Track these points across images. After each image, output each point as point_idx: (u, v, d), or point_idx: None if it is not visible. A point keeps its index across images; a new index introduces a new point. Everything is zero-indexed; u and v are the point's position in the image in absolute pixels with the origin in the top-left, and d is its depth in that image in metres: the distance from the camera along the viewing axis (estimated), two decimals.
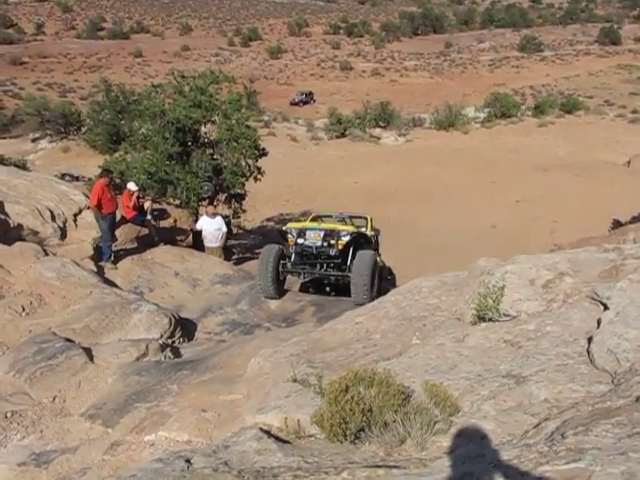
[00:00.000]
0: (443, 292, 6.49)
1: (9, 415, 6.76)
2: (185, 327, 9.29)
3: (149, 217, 12.72)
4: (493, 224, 23.68)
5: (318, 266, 10.16)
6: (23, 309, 8.95)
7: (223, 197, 15.75)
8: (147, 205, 12.76)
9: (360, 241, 10.48)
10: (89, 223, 11.95)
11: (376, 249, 12.18)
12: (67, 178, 21.86)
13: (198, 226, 13.32)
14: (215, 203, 15.59)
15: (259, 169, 15.70)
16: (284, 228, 10.62)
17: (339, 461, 3.32)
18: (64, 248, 11.36)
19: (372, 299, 8.97)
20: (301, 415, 3.93)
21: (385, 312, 6.36)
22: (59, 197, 12.56)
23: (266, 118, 52.07)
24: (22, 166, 17.42)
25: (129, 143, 15.44)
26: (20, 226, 10.99)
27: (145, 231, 12.67)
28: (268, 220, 23.88)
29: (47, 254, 10.65)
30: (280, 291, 10.43)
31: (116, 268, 11.28)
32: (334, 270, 10.22)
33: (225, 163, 14.82)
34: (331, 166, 35.52)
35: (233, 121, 14.62)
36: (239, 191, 15.58)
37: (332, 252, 9.96)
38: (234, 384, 6.02)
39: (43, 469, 5.66)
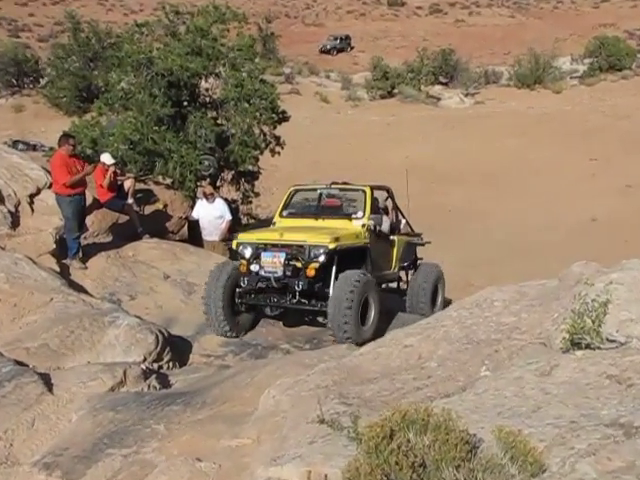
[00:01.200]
0: (523, 307, 6.45)
1: None
2: (177, 347, 9.37)
3: (130, 201, 12.84)
4: (593, 217, 23.50)
5: (288, 295, 9.69)
6: None
7: (229, 176, 15.87)
8: (128, 185, 12.88)
9: (348, 255, 9.75)
10: (50, 207, 12.09)
11: (413, 263, 12.16)
12: (20, 146, 22.28)
13: (195, 214, 13.42)
14: (218, 183, 15.71)
15: (277, 139, 15.78)
16: (233, 242, 10.18)
17: None
18: (16, 240, 11.52)
19: (363, 337, 9.01)
20: (330, 469, 3.94)
21: (444, 332, 6.35)
22: (10, 172, 12.73)
23: (288, 70, 52.23)
24: None
25: (104, 101, 15.59)
26: None
27: (125, 219, 12.79)
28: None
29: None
30: (238, 326, 9.98)
31: (85, 268, 11.42)
32: (310, 300, 9.72)
33: (232, 130, 14.92)
34: (373, 136, 35.54)
35: (244, 74, 14.71)
36: (250, 168, 15.67)
37: (299, 285, 9.34)
38: (240, 425, 6.06)
39: None
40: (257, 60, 15.40)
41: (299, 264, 9.36)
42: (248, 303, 9.95)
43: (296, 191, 11.41)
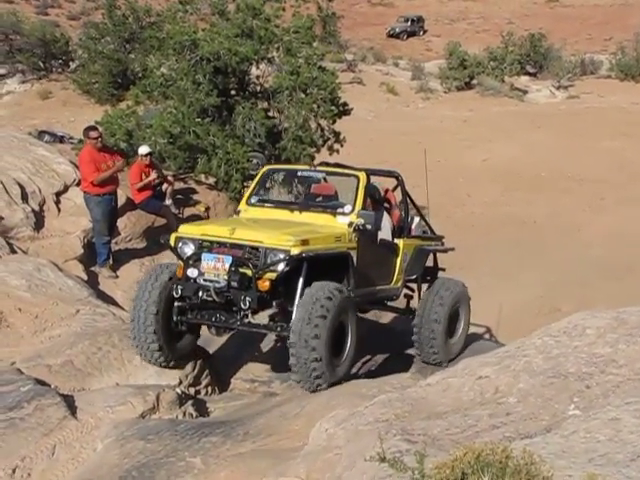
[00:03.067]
0: (621, 337, 6.37)
1: None
2: (216, 370, 9.45)
3: (169, 202, 13.01)
4: None
5: (238, 313, 8.36)
6: None
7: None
8: (167, 185, 13.05)
9: (323, 263, 8.49)
10: (78, 207, 12.31)
11: (432, 274, 10.85)
12: (46, 138, 22.68)
13: None
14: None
15: (337, 135, 15.84)
16: (173, 236, 8.83)
17: None
18: (40, 243, 11.75)
19: (336, 376, 8.09)
20: None
21: (526, 363, 6.30)
22: (35, 166, 13.00)
23: (350, 57, 52.33)
24: None
25: (141, 88, 15.82)
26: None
27: (162, 222, 12.95)
28: None
29: (14, 251, 11.04)
30: (176, 353, 8.82)
31: (116, 276, 11.60)
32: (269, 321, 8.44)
33: (286, 124, 15.01)
34: (447, 134, 35.38)
35: (300, 60, 14.78)
36: None
37: (246, 302, 8.02)
38: (287, 461, 6.09)
39: None
40: (316, 44, 15.48)
41: (249, 272, 8.08)
42: (189, 322, 8.68)
43: (271, 172, 10.50)
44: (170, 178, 13.48)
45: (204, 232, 8.56)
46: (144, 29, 27.52)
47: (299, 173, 10.49)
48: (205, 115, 14.48)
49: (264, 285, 8.03)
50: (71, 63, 41.01)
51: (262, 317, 8.26)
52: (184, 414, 8.10)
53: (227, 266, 8.06)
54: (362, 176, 9.37)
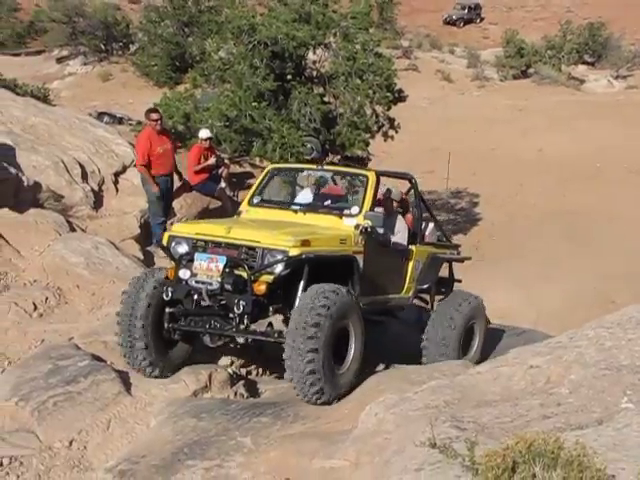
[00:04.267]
0: None
1: (6, 462, 7.16)
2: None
3: (224, 185, 13.09)
4: None
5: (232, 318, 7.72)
6: (35, 307, 9.47)
7: (335, 161, 15.93)
8: (223, 168, 13.13)
9: (326, 267, 7.83)
10: (136, 187, 12.45)
11: (446, 286, 10.29)
12: (106, 119, 22.91)
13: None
14: (273, 184, 15.84)
15: (392, 121, 15.77)
16: (166, 235, 8.37)
17: None
18: (98, 222, 11.91)
19: (339, 389, 7.46)
20: None
21: (578, 354, 6.23)
22: (95, 147, 13.17)
23: (406, 43, 52.09)
24: (43, 97, 18.35)
25: (199, 72, 15.93)
26: (37, 185, 11.61)
27: (217, 204, 13.03)
28: None
29: (73, 229, 11.20)
30: (167, 362, 8.16)
31: None
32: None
33: (341, 110, 15.00)
34: (502, 123, 35.04)
35: (357, 46, 14.74)
36: (359, 153, 15.71)
37: (240, 306, 7.39)
38: (337, 444, 6.10)
39: None
40: (372, 30, 15.44)
41: (245, 274, 7.46)
42: (182, 330, 8.03)
43: (276, 171, 9.69)
44: (226, 161, 13.54)
45: (199, 231, 7.98)
46: (203, 13, 27.62)
47: (306, 173, 9.78)
48: (261, 99, 14.52)
49: (260, 288, 7.39)
50: (131, 46, 41.36)
51: (261, 324, 7.73)
52: (235, 394, 8.18)
53: (221, 267, 7.46)
54: (371, 176, 8.80)
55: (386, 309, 9.28)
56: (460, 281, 10.58)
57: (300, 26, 14.45)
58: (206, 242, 7.76)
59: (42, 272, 10.08)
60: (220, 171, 13.13)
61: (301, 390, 7.20)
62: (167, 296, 7.65)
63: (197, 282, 7.51)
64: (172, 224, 12.08)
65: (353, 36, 14.86)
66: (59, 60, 43.15)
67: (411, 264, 9.24)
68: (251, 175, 14.57)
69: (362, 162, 16.19)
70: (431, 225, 10.05)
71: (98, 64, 41.32)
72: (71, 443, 7.41)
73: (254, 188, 9.22)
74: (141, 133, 12.18)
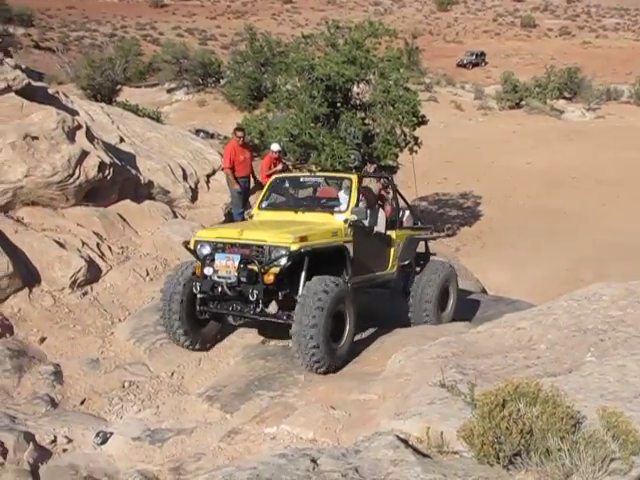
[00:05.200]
0: (630, 303, 6.15)
1: (126, 385, 7.33)
2: None
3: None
4: None
5: (250, 304, 7.43)
6: (147, 273, 9.59)
7: (372, 168, 15.87)
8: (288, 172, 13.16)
9: (323, 256, 7.43)
10: (223, 186, 12.52)
11: (424, 259, 9.68)
12: (202, 135, 23.04)
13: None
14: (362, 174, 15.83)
15: (416, 139, 15.62)
16: (192, 240, 7.91)
17: None
18: (194, 211, 12.02)
19: (336, 360, 7.03)
20: (446, 427, 3.92)
21: (554, 320, 6.15)
22: (193, 155, 13.28)
23: (428, 80, 51.62)
24: (156, 118, 18.57)
25: (272, 100, 15.96)
26: (151, 183, 11.73)
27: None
28: (421, 199, 23.74)
29: (176, 216, 11.32)
30: (201, 338, 7.91)
31: None
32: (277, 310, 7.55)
33: (377, 130, 14.93)
34: (500, 142, 34.59)
35: (390, 82, 14.67)
36: (391, 163, 15.62)
37: (254, 294, 7.11)
38: (369, 382, 6.10)
39: (157, 447, 6.08)
40: (402, 70, 15.30)
41: (255, 268, 7.16)
42: (211, 311, 7.75)
43: (278, 180, 9.03)
44: (290, 167, 13.56)
45: (218, 235, 7.64)
46: (275, 56, 27.62)
47: (302, 179, 9.09)
48: (317, 121, 14.55)
49: (269, 278, 7.04)
50: (221, 80, 41.67)
51: (273, 306, 7.47)
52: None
53: (236, 264, 7.16)
54: (354, 178, 8.28)
55: (376, 284, 8.70)
56: (435, 254, 10.15)
57: (348, 66, 14.41)
58: (224, 244, 7.42)
59: (153, 247, 10.19)
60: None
61: (304, 360, 6.81)
62: (196, 290, 7.41)
63: (219, 277, 7.23)
64: (248, 214, 12.18)
65: (388, 74, 14.78)
66: (168, 91, 43.65)
67: (393, 246, 8.80)
68: None
69: (393, 170, 16.10)
70: (407, 213, 9.58)
71: (197, 94, 41.70)
72: (172, 374, 7.55)
73: (262, 195, 8.73)
74: (228, 144, 12.25)
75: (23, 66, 14.53)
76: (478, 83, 57.16)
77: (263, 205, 8.60)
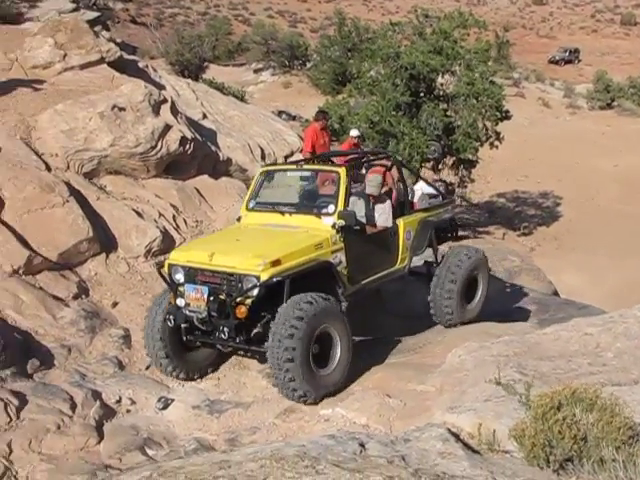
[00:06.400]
0: None
1: None
2: None
3: (363, 171, 13.10)
4: None
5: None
6: None
7: (450, 161, 15.74)
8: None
9: (303, 279, 6.31)
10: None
11: (451, 233, 8.72)
12: (284, 116, 23.25)
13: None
14: (440, 167, 15.66)
15: (498, 134, 15.39)
16: (165, 262, 6.93)
17: None
18: None
19: (323, 389, 6.16)
20: (499, 425, 3.87)
21: (625, 328, 5.97)
22: (273, 135, 13.38)
23: (516, 76, 50.50)
24: (241, 97, 18.80)
25: (355, 86, 16.00)
26: (229, 160, 11.88)
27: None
28: (499, 196, 23.37)
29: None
30: (188, 365, 6.96)
31: None
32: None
33: (459, 122, 14.78)
34: (587, 142, 33.60)
35: (476, 74, 14.50)
36: (470, 157, 15.45)
37: (225, 330, 6.19)
38: (427, 374, 6.08)
39: (215, 417, 6.24)
40: (490, 63, 15.15)
41: (225, 301, 6.23)
42: (197, 340, 6.73)
43: (267, 173, 7.75)
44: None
45: (189, 259, 6.59)
46: (362, 42, 27.59)
47: (289, 174, 7.99)
48: (398, 109, 14.52)
49: (241, 312, 6.09)
50: (307, 63, 41.88)
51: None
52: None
53: (205, 296, 6.26)
54: (342, 172, 7.02)
55: (384, 283, 7.66)
56: (462, 226, 9.41)
57: (434, 56, 14.33)
58: (195, 269, 6.46)
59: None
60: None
61: (286, 395, 6.07)
62: (170, 323, 6.52)
63: (190, 311, 6.34)
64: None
65: (474, 66, 14.64)
66: (255, 71, 44.18)
67: (401, 237, 7.59)
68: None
69: (472, 164, 15.89)
70: (418, 192, 8.24)
71: (282, 75, 42.05)
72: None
73: (249, 193, 7.61)
74: (309, 127, 12.31)
75: (118, 40, 14.96)
76: (569, 81, 55.58)
77: (250, 205, 7.45)
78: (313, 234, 6.73)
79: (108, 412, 6.34)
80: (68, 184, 8.75)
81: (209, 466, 3.20)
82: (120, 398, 6.56)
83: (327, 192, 7.30)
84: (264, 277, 6.04)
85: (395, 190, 7.95)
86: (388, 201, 7.61)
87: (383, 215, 7.52)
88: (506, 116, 15.25)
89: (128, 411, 6.46)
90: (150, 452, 5.80)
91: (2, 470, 5.34)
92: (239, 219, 7.57)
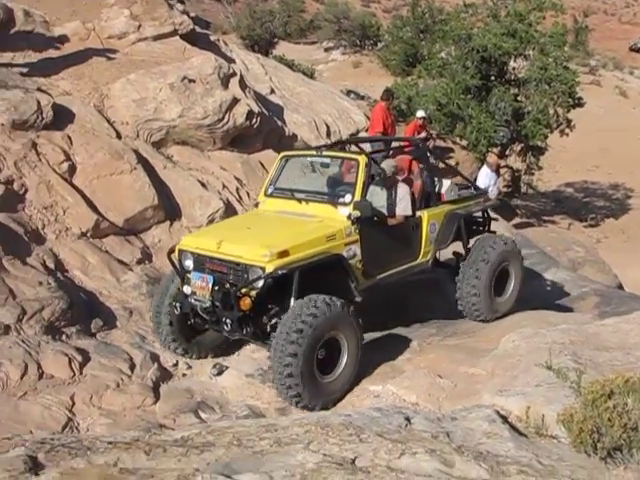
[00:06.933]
0: None
1: None
2: None
3: (428, 155, 13.02)
4: None
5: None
6: None
7: (518, 147, 15.46)
8: (431, 141, 13.05)
9: (311, 273, 5.97)
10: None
11: (482, 227, 8.09)
12: (352, 96, 23.15)
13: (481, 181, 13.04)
14: (507, 153, 15.40)
15: (569, 121, 15.04)
16: (176, 247, 6.60)
17: (581, 476, 3.20)
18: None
19: (327, 398, 5.84)
20: (548, 410, 3.84)
21: None
22: (339, 113, 13.39)
23: (593, 63, 48.95)
24: (310, 75, 18.82)
25: (424, 67, 15.84)
26: (294, 136, 11.95)
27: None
28: (567, 185, 22.81)
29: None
30: (197, 346, 6.84)
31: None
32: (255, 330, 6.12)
33: (529, 108, 14.51)
34: None
35: (550, 59, 14.16)
36: (539, 143, 15.14)
37: (228, 322, 5.94)
38: (479, 358, 6.04)
39: (267, 386, 6.34)
40: (565, 48, 14.75)
41: (230, 291, 5.95)
42: (204, 324, 6.48)
43: (287, 159, 7.36)
44: (434, 136, 13.44)
45: (198, 245, 6.35)
46: (435, 24, 27.21)
47: (308, 159, 7.42)
48: (468, 92, 14.33)
49: (245, 304, 5.79)
50: (378, 43, 41.55)
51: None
52: None
53: (210, 286, 6.06)
54: (361, 160, 6.65)
55: (404, 278, 7.14)
56: (496, 219, 8.41)
57: (507, 39, 14.06)
58: (204, 257, 6.23)
59: None
60: (428, 143, 13.06)
61: (280, 392, 5.75)
62: (177, 310, 6.39)
63: (195, 300, 6.17)
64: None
65: (548, 51, 14.28)
66: (326, 49, 44.03)
67: (424, 229, 7.17)
68: (451, 150, 14.39)
69: (540, 151, 15.58)
70: (447, 182, 7.79)
71: (353, 55, 41.80)
72: None
73: (269, 178, 7.28)
74: (377, 107, 12.33)
75: (192, 14, 15.10)
76: None
77: (269, 191, 7.14)
78: (327, 224, 6.39)
79: (165, 374, 6.52)
80: (137, 152, 8.97)
81: (256, 428, 3.28)
82: (177, 362, 6.73)
83: (351, 180, 6.78)
84: (269, 268, 5.73)
85: (420, 180, 7.43)
86: (406, 188, 7.09)
87: (402, 202, 6.99)
88: (579, 103, 14.86)
89: (184, 375, 6.62)
90: (203, 415, 5.96)
91: (65, 420, 5.59)
92: (257, 205, 7.29)
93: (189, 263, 6.33)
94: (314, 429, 3.16)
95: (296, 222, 6.52)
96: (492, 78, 14.67)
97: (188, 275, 6.31)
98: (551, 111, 14.46)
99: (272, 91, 12.72)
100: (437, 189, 7.61)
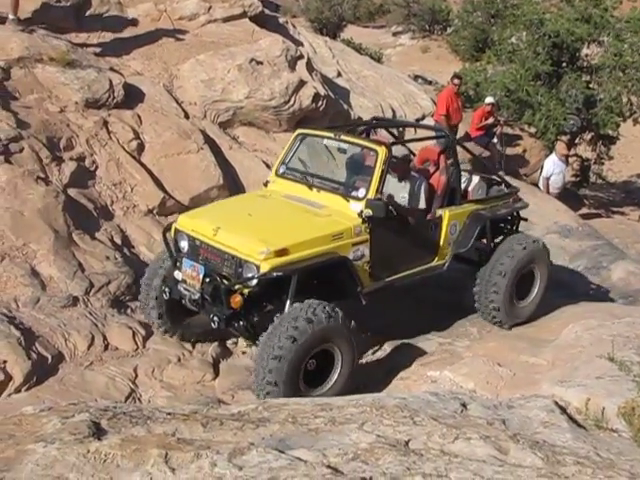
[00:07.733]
0: None
1: None
2: None
3: (496, 140, 12.79)
4: None
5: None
6: None
7: (589, 136, 15.02)
8: (498, 128, 12.85)
9: (311, 277, 5.61)
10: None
11: (510, 226, 7.37)
12: (420, 81, 22.88)
13: (545, 169, 12.69)
14: (577, 141, 15.00)
15: None
16: (173, 226, 6.18)
17: None
18: None
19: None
20: (609, 403, 3.75)
21: None
22: (405, 98, 13.27)
23: None
24: (377, 59, 18.68)
25: (494, 52, 15.52)
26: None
27: (487, 153, 12.77)
28: (639, 176, 22.04)
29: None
30: (188, 329, 6.45)
31: None
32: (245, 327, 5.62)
33: (601, 96, 14.04)
34: None
35: (625, 45, 13.66)
36: (610, 132, 14.66)
37: (215, 320, 5.50)
38: (540, 348, 5.95)
39: None
40: None
41: (221, 286, 5.49)
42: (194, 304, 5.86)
43: (303, 136, 6.72)
44: (501, 123, 13.19)
45: (194, 228, 5.87)
46: (507, 8, 26.52)
47: (325, 142, 6.68)
48: (537, 79, 13.96)
49: (235, 302, 5.31)
50: (448, 28, 40.89)
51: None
52: None
53: (201, 277, 5.63)
54: (382, 151, 5.94)
55: (418, 280, 6.54)
56: (526, 219, 7.64)
57: (580, 24, 13.62)
58: (200, 242, 5.76)
59: None
60: (495, 130, 12.84)
61: (258, 395, 5.17)
62: (166, 295, 6.01)
63: (184, 289, 5.77)
64: None
65: (624, 37, 13.78)
66: (394, 34, 43.59)
67: (444, 230, 6.56)
68: (519, 137, 14.09)
69: (611, 140, 15.11)
70: (476, 179, 7.25)
71: (421, 40, 41.22)
72: None
73: (281, 156, 6.71)
74: (444, 91, 12.26)
75: None
76: None
77: (280, 170, 6.60)
78: (335, 220, 5.81)
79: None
80: (203, 132, 9.08)
81: (312, 406, 3.30)
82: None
83: (369, 169, 6.10)
84: (264, 268, 5.23)
85: (445, 175, 6.71)
86: (422, 180, 6.58)
87: (416, 195, 6.49)
88: None
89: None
90: None
91: (128, 392, 5.74)
92: (266, 184, 6.66)
93: (184, 245, 5.93)
94: (369, 410, 3.16)
95: (302, 213, 5.94)
96: (563, 64, 14.23)
97: (181, 259, 5.89)
98: (624, 99, 13.95)
99: (339, 74, 12.67)
100: (464, 186, 7.05)
